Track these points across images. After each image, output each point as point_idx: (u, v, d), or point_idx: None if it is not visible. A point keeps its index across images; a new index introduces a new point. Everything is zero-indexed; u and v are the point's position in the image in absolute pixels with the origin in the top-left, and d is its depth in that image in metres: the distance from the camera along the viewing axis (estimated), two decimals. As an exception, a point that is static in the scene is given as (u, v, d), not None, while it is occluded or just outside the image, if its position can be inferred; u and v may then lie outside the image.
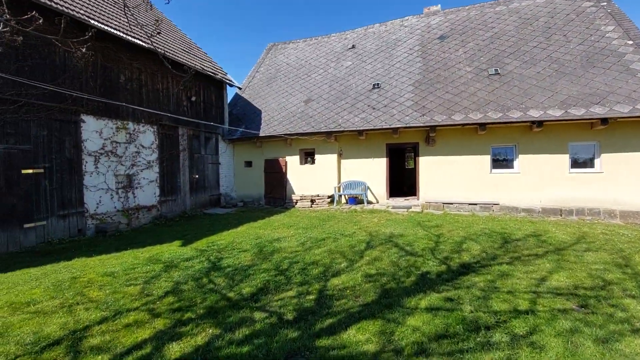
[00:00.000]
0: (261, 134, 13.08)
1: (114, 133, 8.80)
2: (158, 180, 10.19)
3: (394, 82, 12.92)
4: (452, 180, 11.17)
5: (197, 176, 11.92)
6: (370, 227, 8.15)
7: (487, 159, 10.84)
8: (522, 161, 10.50)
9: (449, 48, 13.46)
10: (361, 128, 11.46)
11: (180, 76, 11.03)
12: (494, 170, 10.84)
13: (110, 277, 4.84)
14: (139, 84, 9.60)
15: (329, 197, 12.25)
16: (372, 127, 11.29)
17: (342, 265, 5.10)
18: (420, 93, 11.88)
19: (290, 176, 13.22)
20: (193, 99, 11.66)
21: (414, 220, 8.95)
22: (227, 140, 13.66)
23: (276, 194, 13.34)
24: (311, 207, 12.19)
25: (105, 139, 8.57)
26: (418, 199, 11.66)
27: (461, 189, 11.05)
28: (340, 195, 12.40)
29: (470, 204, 10.60)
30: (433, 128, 10.77)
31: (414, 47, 14.32)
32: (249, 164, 14.16)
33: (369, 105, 12.31)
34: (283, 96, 14.95)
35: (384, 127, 11.14)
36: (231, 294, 4.04)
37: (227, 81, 13.25)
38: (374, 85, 13.16)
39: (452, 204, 10.79)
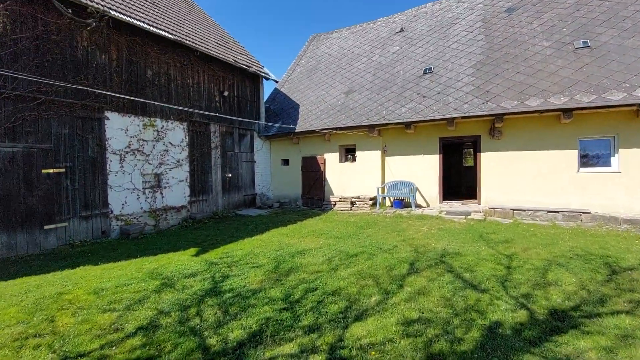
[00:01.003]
0: (297, 129, 12.09)
1: (140, 130, 8.41)
2: (188, 180, 9.71)
3: (449, 65, 11.02)
4: (523, 181, 9.05)
5: (230, 175, 11.32)
6: (416, 240, 6.64)
7: (572, 155, 8.55)
8: (624, 157, 8.06)
9: (520, 22, 11.15)
10: (409, 120, 9.84)
11: (212, 70, 10.46)
12: (583, 169, 8.51)
13: (95, 296, 4.12)
14: (167, 79, 9.15)
15: (371, 199, 10.84)
16: (422, 119, 9.62)
17: (373, 299, 3.78)
18: (483, 76, 9.88)
19: (329, 175, 12.05)
20: (226, 94, 11.04)
21: (474, 232, 7.20)
22: (263, 137, 12.92)
23: (314, 195, 12.28)
24: (351, 210, 10.89)
25: (131, 137, 8.20)
26: (479, 204, 9.72)
27: (536, 193, 8.90)
28: (383, 198, 10.92)
29: (549, 212, 8.44)
30: (500, 117, 8.78)
31: (474, 24, 12.19)
32: (286, 162, 13.29)
33: (418, 94, 10.61)
34: (322, 88, 13.80)
35: (436, 117, 9.41)
36: (212, 340, 2.99)
37: (263, 74, 12.47)
38: (425, 70, 11.39)
39: (524, 210, 8.71)
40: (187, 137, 9.67)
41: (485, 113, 8.75)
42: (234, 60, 10.95)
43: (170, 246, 6.81)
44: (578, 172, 8.51)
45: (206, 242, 7.00)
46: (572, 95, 8.03)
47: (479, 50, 10.91)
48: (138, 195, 8.34)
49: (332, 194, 11.89)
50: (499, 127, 9.24)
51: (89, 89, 7.23)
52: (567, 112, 8.06)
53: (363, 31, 16.40)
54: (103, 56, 7.69)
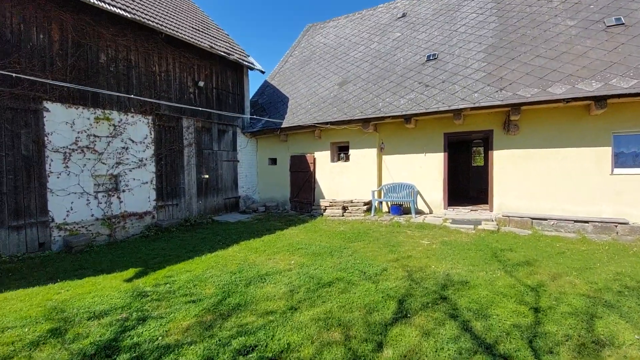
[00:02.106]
0: (284, 124, 10.79)
1: (91, 125, 7.20)
2: (154, 182, 8.48)
3: (456, 50, 9.61)
4: (544, 184, 7.62)
5: (207, 176, 10.07)
6: (413, 259, 5.29)
7: (604, 153, 7.09)
8: (672, 156, 6.59)
9: (538, 0, 9.68)
10: (408, 112, 8.46)
11: (185, 57, 9.23)
12: (617, 170, 7.05)
13: (-59, 354, 2.87)
14: (126, 66, 7.92)
15: (365, 204, 9.49)
16: (424, 111, 8.23)
17: (332, 374, 2.46)
18: (496, 61, 8.45)
19: (320, 176, 10.73)
20: (201, 84, 9.79)
21: (485, 247, 5.82)
22: (248, 134, 11.64)
23: (303, 198, 10.97)
24: (342, 216, 9.56)
25: (79, 132, 7.00)
26: (491, 211, 8.30)
27: (560, 198, 7.46)
28: (380, 203, 9.56)
29: (576, 222, 7.00)
30: (516, 108, 7.35)
31: (485, 4, 10.75)
32: (273, 161, 12.01)
33: (420, 83, 9.22)
34: (315, 80, 12.48)
35: (440, 109, 8.01)
36: None
37: (247, 64, 11.19)
38: (428, 57, 9.99)
39: (545, 220, 7.28)
40: (152, 132, 8.44)
41: (499, 103, 7.33)
42: (210, 46, 9.68)
43: (109, 264, 5.57)
44: (612, 173, 7.05)
45: (155, 260, 5.75)
46: (607, 80, 6.57)
47: (490, 33, 9.46)
48: (88, 200, 7.13)
49: (323, 198, 10.57)
50: (514, 120, 7.81)
51: (21, 75, 6.02)
52: (600, 100, 6.60)
53: (362, 19, 15.02)
54: (41, 36, 6.48)
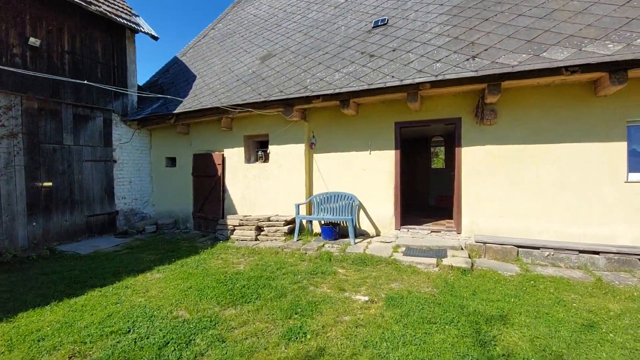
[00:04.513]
0: (179, 109, 7.65)
1: None
2: None
3: (411, 14, 7.16)
4: (533, 195, 5.31)
5: (49, 184, 6.65)
6: (334, 342, 2.53)
7: (617, 151, 4.91)
8: None
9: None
10: (344, 89, 5.78)
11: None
12: (635, 176, 4.89)
13: None
14: None
15: (287, 222, 6.67)
16: (367, 87, 5.58)
17: None
18: (464, 23, 6.07)
19: (231, 183, 7.73)
20: (36, 42, 6.37)
21: (459, 314, 3.27)
22: (133, 123, 8.32)
23: (209, 213, 7.89)
24: (256, 239, 6.65)
25: None
26: (459, 232, 5.86)
27: (555, 215, 5.19)
28: (309, 222, 6.79)
29: (581, 252, 4.73)
30: (495, 84, 4.94)
31: (446, -37, 8.45)
32: (171, 161, 8.79)
33: (363, 53, 6.61)
34: (234, 55, 9.47)
35: (389, 84, 5.41)
36: None
37: (130, 24, 7.89)
38: (375, 23, 7.46)
39: (536, 248, 4.95)
40: None
41: (471, 74, 4.87)
42: (48, -16, 6.31)
43: None
44: (627, 180, 4.88)
45: None
46: (631, 41, 4.35)
47: (454, -8, 7.12)
48: None
49: (235, 212, 7.59)
50: (491, 104, 5.44)
51: None
52: (617, 71, 4.36)
53: (302, -12, 12.27)
54: None
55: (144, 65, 62.48)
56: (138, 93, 8.21)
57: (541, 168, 5.24)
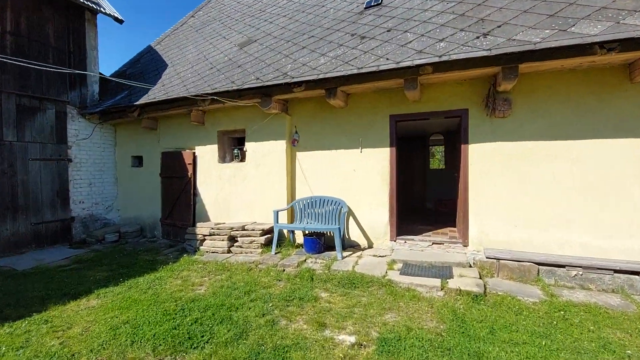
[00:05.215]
0: (143, 100, 6.67)
1: None
2: None
3: (408, -8, 6.25)
4: (554, 200, 4.43)
5: (-18, 186, 5.64)
6: None
7: (658, 148, 4.06)
8: None
9: None
10: (329, 74, 4.85)
11: None
12: (678, 178, 4.05)
13: None
14: None
15: (265, 232, 5.74)
16: (356, 71, 4.67)
17: None
18: (471, -3, 5.18)
19: (203, 185, 6.77)
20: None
21: (472, 359, 2.36)
22: (94, 117, 7.31)
23: (178, 219, 6.92)
24: (229, 252, 5.70)
25: None
26: (465, 244, 4.97)
27: (579, 224, 4.32)
28: (291, 232, 5.85)
29: (617, 271, 3.87)
30: (510, 67, 4.04)
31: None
32: (138, 161, 7.80)
33: (353, 35, 5.71)
34: (212, 42, 8.51)
35: (383, 67, 4.50)
36: None
37: (86, 2, 6.89)
38: (368, 3, 6.55)
39: (560, 266, 4.08)
40: None
41: (484, 54, 3.98)
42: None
43: None
44: (670, 184, 4.03)
45: None
46: (682, 9, 3.49)
47: (458, -32, 6.23)
48: None
49: (207, 220, 6.64)
50: (505, 92, 4.56)
51: None
52: (666, 49, 3.50)
53: (289, -27, 11.33)
54: None
55: (124, 59, 60.82)
56: (106, 79, 7.19)
57: (562, 168, 4.37)
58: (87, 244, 6.89)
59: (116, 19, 7.46)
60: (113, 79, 7.09)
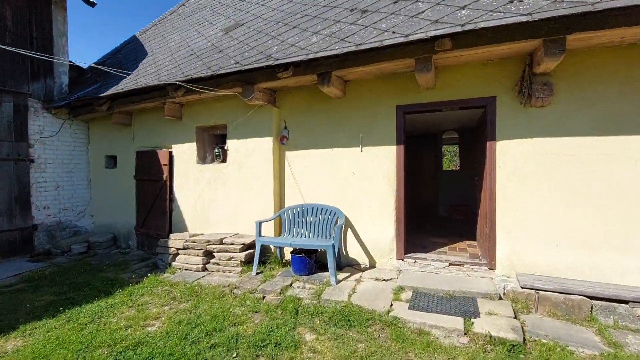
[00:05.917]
0: (111, 90, 5.81)
1: None
2: None
3: (419, -38, 5.25)
4: (609, 213, 3.41)
5: None
6: None
7: None
8: None
9: None
10: (322, 53, 3.90)
11: None
12: None
13: None
14: None
15: (247, 246, 4.81)
16: (354, 49, 3.71)
17: None
18: (498, -41, 4.16)
19: (180, 188, 5.88)
20: None
21: None
22: (62, 111, 6.48)
23: (152, 228, 6.05)
24: (204, 270, 4.80)
25: None
26: (491, 267, 3.97)
27: (638, 245, 3.29)
28: (278, 248, 4.90)
29: None
30: (556, 39, 3.04)
31: None
32: (112, 161, 6.95)
33: (352, 10, 4.75)
34: (197, 29, 7.63)
35: (387, 42, 3.53)
36: None
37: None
38: (371, -23, 5.57)
39: (622, 302, 3.08)
40: None
41: (522, 19, 2.99)
42: None
43: None
44: None
45: None
46: None
47: None
48: None
49: (185, 229, 5.75)
50: (543, 74, 3.56)
51: None
52: None
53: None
54: None
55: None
56: (72, 63, 6.37)
57: (621, 172, 3.36)
58: (51, 256, 6.07)
59: (87, 1, 6.62)
60: (80, 66, 6.24)
